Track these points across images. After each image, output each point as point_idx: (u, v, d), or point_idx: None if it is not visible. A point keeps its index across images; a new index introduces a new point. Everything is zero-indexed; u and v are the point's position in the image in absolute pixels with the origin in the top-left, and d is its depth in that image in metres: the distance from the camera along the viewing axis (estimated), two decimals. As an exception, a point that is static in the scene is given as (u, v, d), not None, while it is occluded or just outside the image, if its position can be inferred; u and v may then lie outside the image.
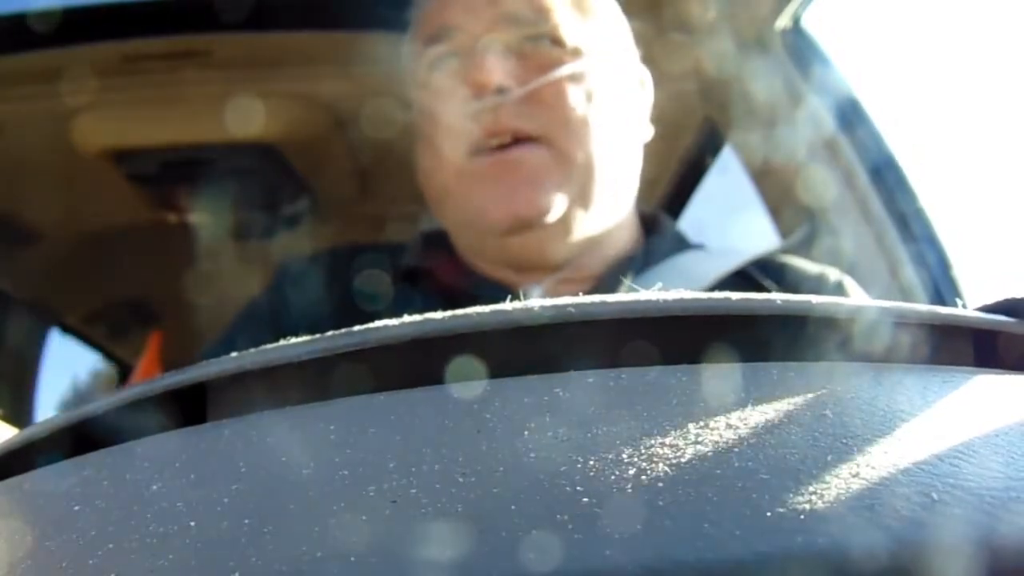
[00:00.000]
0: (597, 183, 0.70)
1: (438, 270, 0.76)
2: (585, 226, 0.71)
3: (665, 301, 0.25)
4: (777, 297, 0.26)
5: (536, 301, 0.25)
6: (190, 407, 0.27)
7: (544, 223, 0.68)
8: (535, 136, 0.68)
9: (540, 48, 0.70)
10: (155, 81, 1.30)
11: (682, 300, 0.25)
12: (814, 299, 0.26)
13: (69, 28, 1.18)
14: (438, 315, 0.24)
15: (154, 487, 0.22)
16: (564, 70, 0.69)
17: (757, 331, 0.26)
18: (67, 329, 1.75)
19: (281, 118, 1.33)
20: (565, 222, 0.69)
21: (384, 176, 1.46)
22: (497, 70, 0.67)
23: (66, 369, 1.76)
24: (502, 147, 0.68)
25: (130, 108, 1.33)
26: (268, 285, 0.81)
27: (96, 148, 1.34)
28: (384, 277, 0.75)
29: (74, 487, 0.24)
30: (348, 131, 1.36)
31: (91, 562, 0.19)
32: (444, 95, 0.69)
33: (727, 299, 0.25)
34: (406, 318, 0.24)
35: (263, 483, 0.21)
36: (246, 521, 0.19)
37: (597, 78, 0.71)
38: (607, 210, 0.73)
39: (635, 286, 0.68)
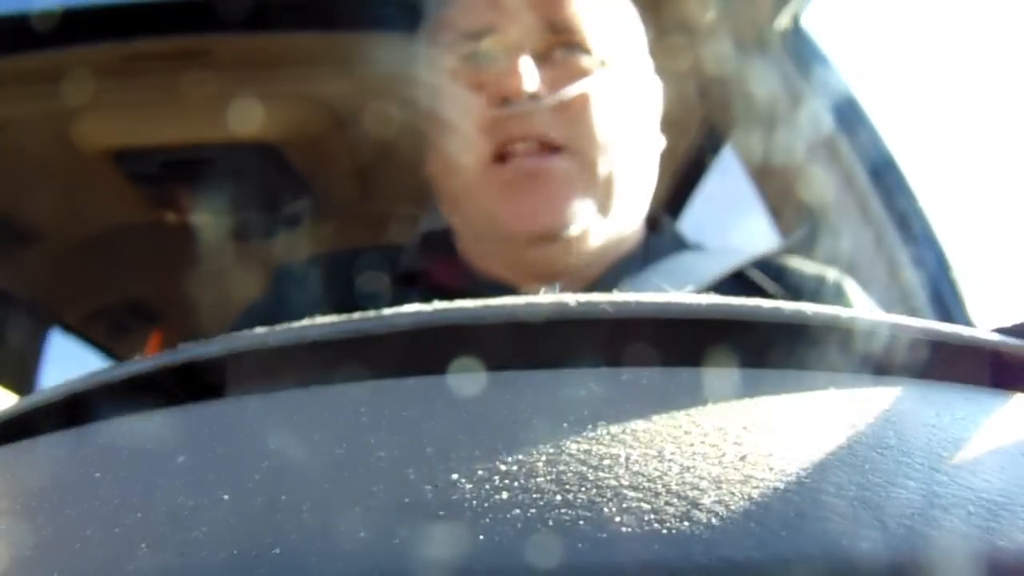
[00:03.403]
0: (617, 194, 0.70)
1: (437, 273, 0.75)
2: (603, 236, 0.71)
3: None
4: (807, 307, 0.26)
5: (569, 296, 0.25)
6: (202, 383, 0.26)
7: (565, 236, 0.68)
8: (561, 145, 0.67)
9: (571, 57, 0.69)
10: (155, 81, 1.30)
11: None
12: (841, 311, 0.27)
13: (69, 28, 1.18)
14: (469, 303, 0.24)
15: (179, 459, 0.21)
16: (594, 80, 0.68)
17: (781, 339, 0.27)
18: (67, 329, 1.75)
19: (281, 118, 1.32)
20: (584, 233, 0.69)
21: (384, 176, 1.46)
22: (532, 76, 0.66)
23: (66, 369, 1.75)
24: (527, 153, 0.67)
25: (130, 108, 1.32)
26: (266, 289, 0.80)
27: (96, 148, 1.34)
28: (383, 280, 0.75)
29: (91, 454, 0.23)
30: (348, 131, 1.35)
31: (117, 531, 0.19)
32: (471, 95, 0.69)
33: (778, 308, 0.26)
34: (436, 304, 0.24)
35: (295, 460, 0.20)
36: (282, 497, 0.19)
37: (621, 89, 0.71)
38: (624, 220, 0.72)
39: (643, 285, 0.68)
